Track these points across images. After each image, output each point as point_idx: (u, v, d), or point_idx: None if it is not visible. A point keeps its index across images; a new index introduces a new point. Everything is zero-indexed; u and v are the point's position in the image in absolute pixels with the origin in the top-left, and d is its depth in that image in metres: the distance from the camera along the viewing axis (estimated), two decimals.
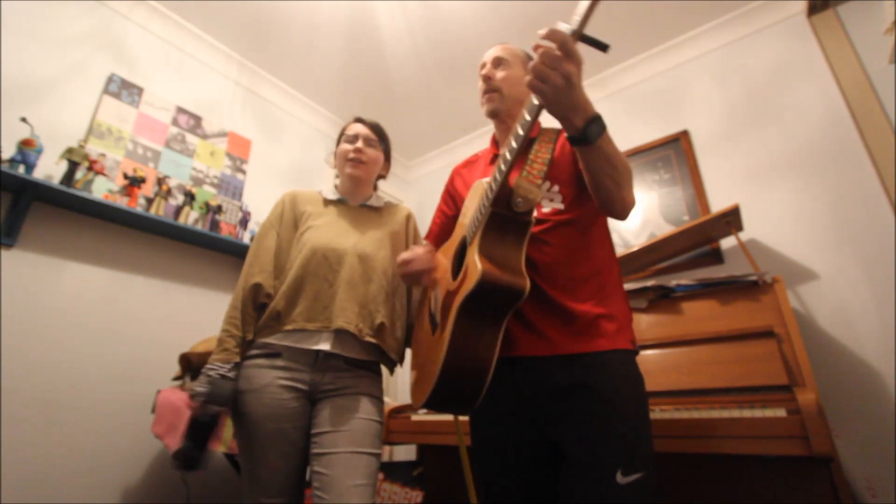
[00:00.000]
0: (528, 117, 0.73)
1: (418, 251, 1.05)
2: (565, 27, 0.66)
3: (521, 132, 0.74)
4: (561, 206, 0.95)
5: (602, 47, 0.65)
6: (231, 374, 1.10)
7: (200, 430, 1.06)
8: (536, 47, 0.68)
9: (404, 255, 1.06)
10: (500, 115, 1.06)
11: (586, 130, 0.73)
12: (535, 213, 0.85)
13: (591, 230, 0.97)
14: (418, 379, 1.02)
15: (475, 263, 0.78)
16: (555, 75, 0.66)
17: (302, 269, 1.17)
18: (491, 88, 1.05)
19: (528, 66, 0.68)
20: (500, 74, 1.06)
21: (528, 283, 0.78)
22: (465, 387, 0.81)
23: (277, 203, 1.32)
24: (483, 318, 0.81)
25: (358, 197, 1.37)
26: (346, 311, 1.14)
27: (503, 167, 0.78)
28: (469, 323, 0.80)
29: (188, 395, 1.10)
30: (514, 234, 0.83)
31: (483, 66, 1.09)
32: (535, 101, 0.71)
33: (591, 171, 0.82)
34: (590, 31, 0.65)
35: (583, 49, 0.67)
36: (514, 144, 0.76)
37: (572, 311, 0.88)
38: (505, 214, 0.82)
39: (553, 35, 0.65)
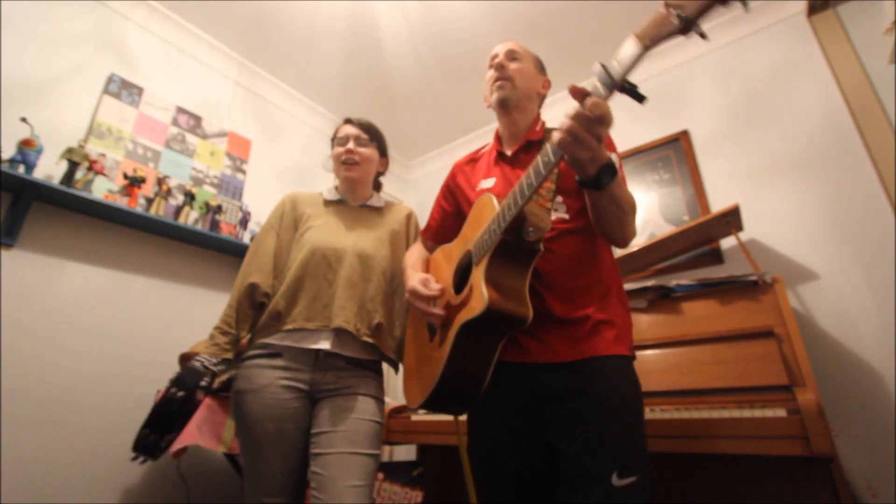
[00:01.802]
0: (552, 158, 0.72)
1: (434, 292, 0.95)
2: (602, 75, 0.63)
3: (543, 171, 0.74)
4: (566, 217, 0.95)
5: (639, 99, 0.63)
6: (215, 368, 1.10)
7: (157, 414, 1.05)
8: (572, 90, 0.66)
9: (417, 288, 0.97)
10: (509, 106, 1.05)
11: (599, 177, 0.73)
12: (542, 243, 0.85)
13: (597, 238, 0.96)
14: (412, 379, 1.03)
15: (481, 291, 0.79)
16: (590, 140, 0.66)
17: (301, 268, 1.17)
18: (504, 77, 1.04)
19: (562, 124, 0.67)
20: (513, 66, 1.06)
21: (531, 313, 0.79)
22: (461, 394, 0.86)
23: (278, 205, 1.33)
24: (482, 340, 0.83)
25: (358, 197, 1.37)
26: (345, 310, 1.14)
27: (519, 199, 0.77)
28: (468, 343, 0.83)
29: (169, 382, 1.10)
30: (522, 261, 0.84)
31: (495, 56, 1.08)
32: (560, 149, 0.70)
33: (598, 211, 0.83)
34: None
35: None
36: (533, 181, 0.75)
37: (573, 319, 0.88)
38: (515, 242, 0.82)
39: (595, 108, 0.64)
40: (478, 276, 0.83)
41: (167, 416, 1.05)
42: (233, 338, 1.13)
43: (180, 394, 1.05)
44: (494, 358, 0.83)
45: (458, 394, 0.86)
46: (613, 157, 0.93)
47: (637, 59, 0.60)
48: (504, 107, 1.05)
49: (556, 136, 0.68)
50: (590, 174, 0.73)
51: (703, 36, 0.56)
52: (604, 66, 0.64)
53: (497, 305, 0.77)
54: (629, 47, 0.61)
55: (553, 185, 0.85)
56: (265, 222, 1.30)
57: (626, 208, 0.83)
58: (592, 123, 0.65)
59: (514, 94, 1.04)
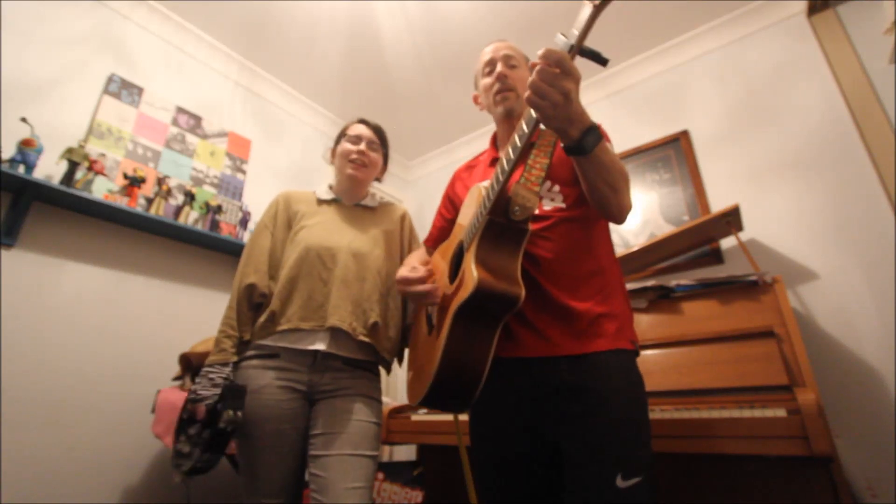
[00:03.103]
0: (525, 129, 0.73)
1: (420, 273, 0.98)
2: (563, 41, 0.66)
3: (518, 143, 0.75)
4: (563, 205, 0.95)
5: (601, 61, 0.65)
6: (232, 376, 1.10)
7: (223, 437, 1.04)
8: (533, 65, 0.68)
9: (404, 274, 0.98)
10: (513, 116, 1.06)
11: (582, 141, 0.73)
12: (530, 223, 0.85)
13: (595, 228, 0.97)
14: (415, 377, 1.02)
15: (471, 271, 0.79)
16: (553, 92, 0.66)
17: (296, 268, 1.17)
18: (507, 87, 1.04)
19: (527, 82, 0.69)
20: (514, 74, 1.06)
21: (523, 292, 0.79)
22: (460, 388, 0.84)
23: (271, 204, 1.32)
24: (478, 324, 0.82)
25: (353, 197, 1.37)
26: (340, 309, 1.13)
27: (500, 176, 0.78)
28: (464, 329, 0.82)
29: (191, 398, 1.06)
30: (511, 241, 0.83)
31: (492, 62, 1.08)
32: (534, 115, 0.71)
33: (588, 179, 0.83)
34: (591, 32, 0.65)
35: (588, 42, 0.67)
36: (511, 155, 0.76)
37: (574, 310, 0.87)
38: (502, 222, 0.82)
39: (550, 55, 0.65)
40: (468, 260, 0.83)
41: (229, 437, 1.05)
42: (237, 340, 1.13)
43: (240, 414, 1.03)
44: (493, 345, 0.82)
45: (456, 387, 0.84)
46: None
47: (591, 20, 0.63)
48: (510, 117, 1.06)
49: (524, 95, 0.70)
50: (573, 137, 0.73)
51: None
52: (563, 34, 0.67)
53: (487, 284, 0.77)
54: (583, 11, 0.63)
55: (543, 172, 0.84)
56: (259, 222, 1.29)
57: (617, 175, 0.82)
58: (556, 77, 0.66)
59: (519, 104, 1.05)
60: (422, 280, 0.96)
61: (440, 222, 1.21)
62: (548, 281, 0.89)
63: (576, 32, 0.64)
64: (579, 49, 0.64)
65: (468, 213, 0.94)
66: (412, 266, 1.01)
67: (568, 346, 0.86)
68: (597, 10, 0.61)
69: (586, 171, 0.81)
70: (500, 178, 0.78)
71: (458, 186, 1.18)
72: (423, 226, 1.32)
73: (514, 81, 1.05)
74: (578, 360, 0.85)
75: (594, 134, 0.74)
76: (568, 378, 0.84)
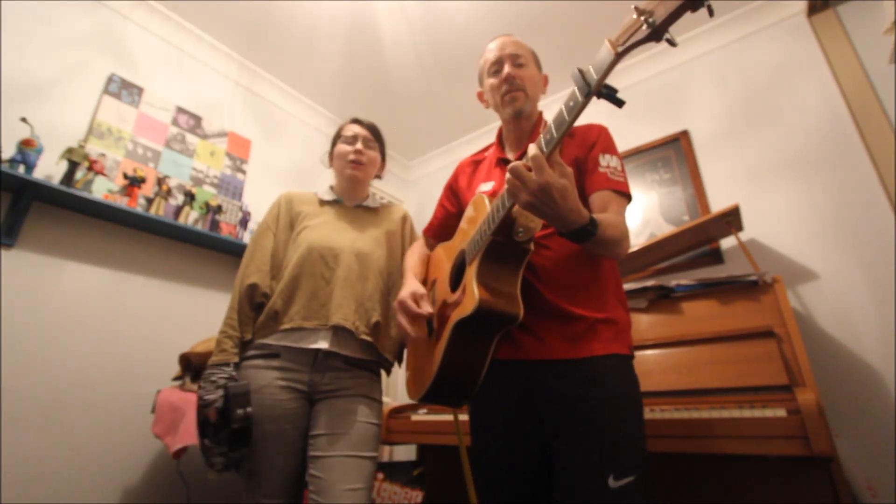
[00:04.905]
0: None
1: (423, 311, 0.95)
2: (580, 80, 0.63)
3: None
4: None
5: (618, 104, 0.64)
6: (234, 374, 1.10)
7: (242, 433, 1.05)
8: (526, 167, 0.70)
9: (408, 302, 0.96)
10: (523, 115, 1.04)
11: (571, 237, 0.75)
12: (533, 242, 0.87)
13: None
14: (414, 375, 1.04)
15: (472, 290, 0.80)
16: (529, 188, 0.69)
17: (298, 267, 1.17)
18: (515, 88, 1.02)
19: (508, 168, 0.71)
20: (522, 73, 1.03)
21: (521, 311, 0.81)
22: (458, 388, 0.89)
23: (273, 204, 1.33)
24: (476, 338, 0.85)
25: (354, 197, 1.37)
26: (343, 307, 1.14)
27: (507, 201, 0.77)
28: (462, 339, 0.85)
29: (201, 404, 1.06)
30: (513, 261, 0.85)
31: (499, 62, 1.05)
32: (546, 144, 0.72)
33: (586, 249, 0.86)
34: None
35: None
36: None
37: (571, 315, 0.88)
38: (505, 242, 0.83)
39: (532, 160, 0.68)
40: (470, 276, 0.84)
41: (246, 431, 1.05)
42: (237, 340, 1.13)
43: (249, 409, 1.04)
44: (489, 353, 0.85)
45: (454, 388, 0.89)
46: (598, 217, 0.80)
47: (610, 66, 0.59)
48: (518, 117, 1.04)
49: (506, 186, 0.73)
50: (562, 231, 0.75)
51: (671, 43, 0.56)
52: (581, 72, 0.63)
53: (487, 305, 0.78)
54: (603, 53, 0.60)
55: None
56: (261, 222, 1.30)
57: (614, 245, 0.82)
58: (531, 178, 0.68)
59: (528, 103, 1.03)
60: (421, 317, 0.95)
61: (441, 213, 1.21)
62: (546, 289, 0.90)
63: (593, 74, 0.61)
64: (597, 91, 0.62)
65: (472, 222, 0.94)
66: (420, 294, 0.97)
67: (564, 350, 0.87)
68: (617, 58, 0.59)
69: (584, 246, 0.82)
70: (507, 203, 0.77)
71: (461, 179, 1.18)
72: (424, 226, 1.32)
73: (523, 81, 1.02)
74: (575, 363, 0.85)
75: (584, 231, 0.74)
76: (563, 382, 0.85)
